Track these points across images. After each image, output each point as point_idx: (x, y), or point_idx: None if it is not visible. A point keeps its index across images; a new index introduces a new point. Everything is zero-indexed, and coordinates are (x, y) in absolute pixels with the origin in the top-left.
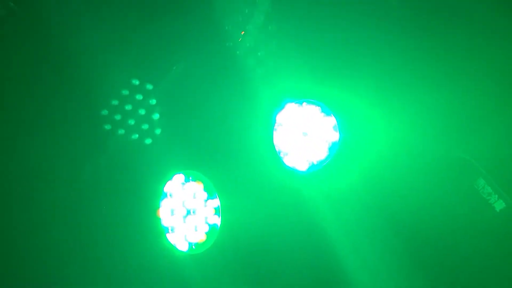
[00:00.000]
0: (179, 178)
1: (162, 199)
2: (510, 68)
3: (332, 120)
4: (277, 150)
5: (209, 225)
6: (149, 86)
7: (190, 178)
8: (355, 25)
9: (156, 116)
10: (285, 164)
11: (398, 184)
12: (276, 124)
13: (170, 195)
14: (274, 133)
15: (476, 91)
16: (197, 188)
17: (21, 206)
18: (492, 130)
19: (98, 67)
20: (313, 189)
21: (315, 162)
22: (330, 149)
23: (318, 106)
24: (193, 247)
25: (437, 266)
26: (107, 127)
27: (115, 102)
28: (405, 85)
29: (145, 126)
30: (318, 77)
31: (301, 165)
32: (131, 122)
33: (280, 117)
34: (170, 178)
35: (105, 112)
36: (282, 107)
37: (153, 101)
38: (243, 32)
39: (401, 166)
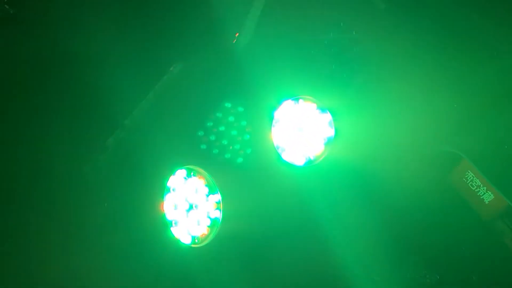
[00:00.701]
0: (181, 173)
1: (166, 194)
2: (495, 68)
3: (327, 117)
4: (275, 145)
5: (210, 219)
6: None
7: (192, 173)
8: (349, 26)
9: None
10: (283, 159)
11: (391, 178)
12: (274, 121)
13: (173, 190)
14: (272, 129)
15: (465, 90)
16: (199, 183)
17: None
18: (480, 125)
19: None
20: (310, 182)
21: (311, 157)
22: (326, 144)
23: (314, 103)
24: (196, 240)
25: (432, 256)
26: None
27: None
28: (397, 82)
29: (237, 146)
30: (314, 75)
31: (298, 160)
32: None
33: (278, 114)
34: (173, 173)
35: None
36: (279, 104)
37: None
38: (237, 34)
39: (394, 161)
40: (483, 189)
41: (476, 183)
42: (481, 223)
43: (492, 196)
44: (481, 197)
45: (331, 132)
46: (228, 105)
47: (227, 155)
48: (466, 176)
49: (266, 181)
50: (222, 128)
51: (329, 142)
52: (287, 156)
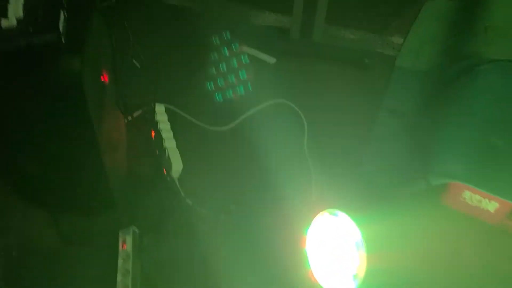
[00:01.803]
0: None
1: None
2: None
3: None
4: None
5: None
6: None
7: None
8: None
9: None
10: None
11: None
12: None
13: None
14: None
15: None
16: None
17: None
18: None
19: None
20: None
21: (355, 272)
22: (358, 250)
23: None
24: None
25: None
26: None
27: None
28: None
29: None
30: None
31: (349, 283)
32: None
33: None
34: None
35: None
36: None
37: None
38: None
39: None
40: (486, 201)
41: (476, 198)
42: (495, 233)
43: (496, 205)
44: (486, 209)
45: (358, 236)
46: None
47: None
48: (464, 196)
49: None
50: None
51: (358, 246)
52: (337, 284)
